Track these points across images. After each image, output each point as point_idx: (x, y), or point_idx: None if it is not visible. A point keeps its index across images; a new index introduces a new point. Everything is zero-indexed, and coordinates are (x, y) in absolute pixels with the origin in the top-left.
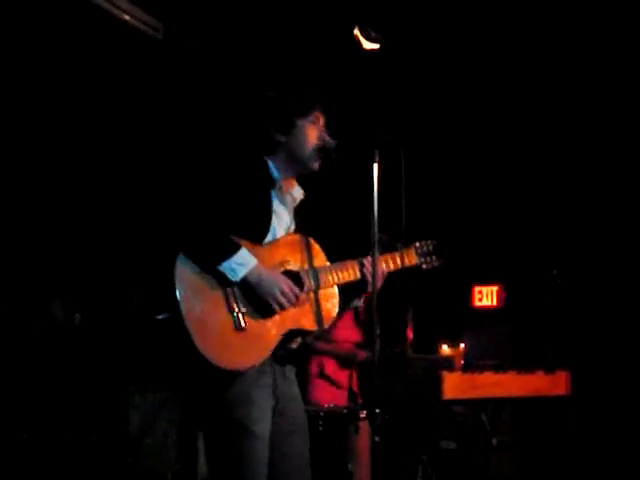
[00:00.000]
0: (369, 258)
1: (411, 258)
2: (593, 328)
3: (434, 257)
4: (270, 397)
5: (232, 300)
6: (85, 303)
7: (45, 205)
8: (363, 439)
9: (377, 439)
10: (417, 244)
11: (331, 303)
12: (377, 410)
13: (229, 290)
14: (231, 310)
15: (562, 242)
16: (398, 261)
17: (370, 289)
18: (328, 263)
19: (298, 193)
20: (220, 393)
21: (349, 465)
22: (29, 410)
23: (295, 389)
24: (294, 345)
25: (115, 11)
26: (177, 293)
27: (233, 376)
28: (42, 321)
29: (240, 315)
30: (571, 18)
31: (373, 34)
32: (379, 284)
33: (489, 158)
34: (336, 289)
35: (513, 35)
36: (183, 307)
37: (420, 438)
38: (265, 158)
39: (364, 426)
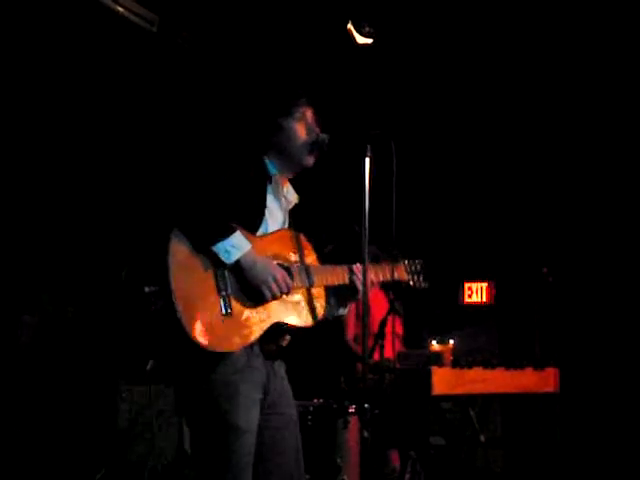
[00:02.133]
0: (359, 266)
1: (401, 274)
2: (582, 325)
3: (421, 277)
4: (259, 392)
5: (222, 284)
6: (77, 296)
7: (33, 196)
8: (352, 434)
9: (366, 434)
10: (405, 262)
11: (319, 304)
12: (366, 405)
13: (220, 273)
14: (220, 293)
15: (552, 239)
16: (388, 274)
17: (359, 296)
18: (318, 263)
19: (293, 196)
20: (207, 387)
21: (338, 460)
22: (18, 402)
23: (286, 385)
24: (283, 342)
25: (110, 4)
26: (169, 268)
27: (221, 368)
28: (33, 314)
29: (228, 299)
30: (566, 12)
31: (366, 29)
32: (369, 291)
33: (481, 154)
34: (323, 291)
35: (506, 29)
36: (173, 283)
37: (409, 434)
38: (262, 156)
39: (353, 421)
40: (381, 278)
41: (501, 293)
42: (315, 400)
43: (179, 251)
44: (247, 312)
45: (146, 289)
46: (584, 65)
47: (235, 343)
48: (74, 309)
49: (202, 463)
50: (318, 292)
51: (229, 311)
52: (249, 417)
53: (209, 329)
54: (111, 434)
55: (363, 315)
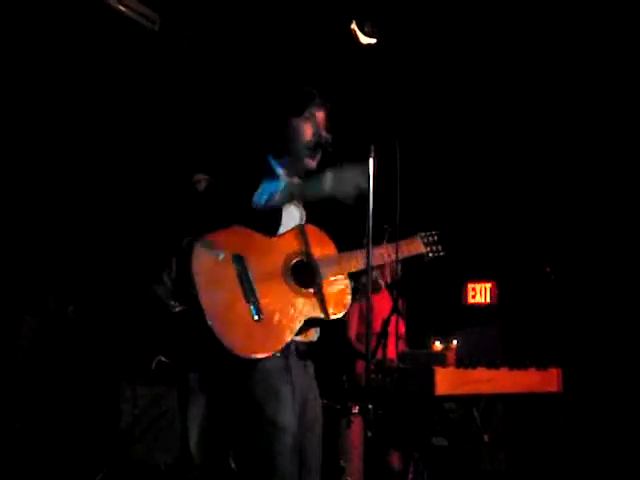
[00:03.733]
0: (377, 247)
1: (418, 246)
2: (585, 325)
3: (440, 247)
4: (294, 393)
5: (249, 290)
6: (79, 295)
7: (36, 198)
8: (355, 434)
9: (369, 434)
10: (422, 234)
11: (343, 292)
12: (370, 405)
13: (245, 279)
14: (249, 300)
15: (555, 239)
16: (405, 249)
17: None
18: (337, 253)
19: None
20: (249, 391)
21: (341, 460)
22: (21, 401)
23: (314, 385)
24: (314, 338)
25: (112, 3)
26: (198, 288)
27: (261, 373)
28: (35, 313)
29: (258, 304)
30: (566, 12)
31: (370, 29)
32: (387, 273)
33: (484, 155)
34: (347, 279)
35: (509, 29)
36: (203, 300)
37: (412, 434)
38: (267, 156)
39: (356, 421)
40: (399, 255)
41: (504, 293)
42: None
43: (203, 264)
44: (278, 314)
45: (176, 309)
46: (583, 68)
47: (273, 346)
48: (76, 309)
49: (249, 465)
50: (342, 280)
51: (261, 316)
52: (292, 417)
53: (246, 338)
54: (114, 434)
55: (367, 314)
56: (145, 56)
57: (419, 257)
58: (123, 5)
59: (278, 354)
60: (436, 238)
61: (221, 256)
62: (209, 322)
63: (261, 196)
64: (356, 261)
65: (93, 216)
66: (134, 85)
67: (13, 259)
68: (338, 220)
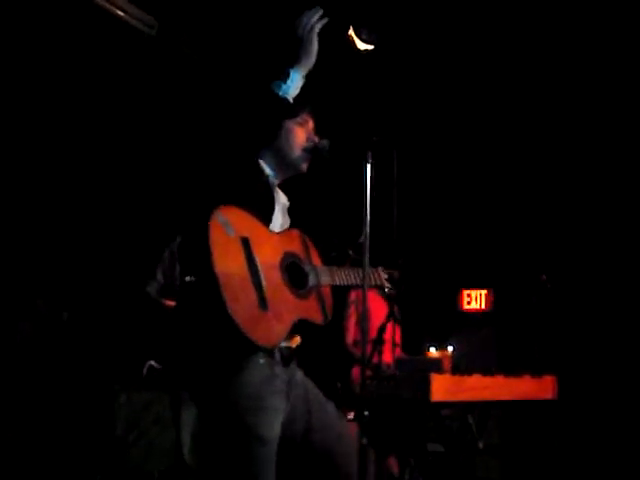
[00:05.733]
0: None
1: (380, 279)
2: (581, 332)
3: (393, 285)
4: (283, 401)
5: (256, 276)
6: (72, 300)
7: (28, 201)
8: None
9: (365, 441)
10: (387, 270)
11: (330, 301)
12: (365, 412)
13: (252, 264)
14: (256, 286)
15: (551, 246)
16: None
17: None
18: (320, 263)
19: (284, 198)
20: (232, 397)
21: None
22: (15, 407)
23: (310, 388)
24: (294, 344)
25: (109, 7)
26: (212, 254)
27: (245, 379)
28: (28, 319)
29: (264, 292)
30: (566, 13)
31: (368, 35)
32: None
33: (480, 161)
34: (330, 290)
35: (506, 35)
36: (217, 269)
37: (407, 440)
38: (257, 159)
39: (352, 428)
40: (371, 282)
41: (500, 300)
42: None
43: (218, 236)
44: (279, 309)
45: (187, 278)
46: (578, 74)
47: (275, 338)
48: (69, 314)
49: (222, 473)
50: (327, 291)
51: (265, 307)
52: (273, 427)
53: (250, 320)
54: (107, 440)
55: (362, 320)
56: (142, 61)
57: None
58: (120, 10)
59: (264, 361)
60: (395, 275)
61: (232, 233)
62: (221, 289)
63: None
64: (345, 276)
65: (86, 221)
66: (131, 90)
67: (5, 265)
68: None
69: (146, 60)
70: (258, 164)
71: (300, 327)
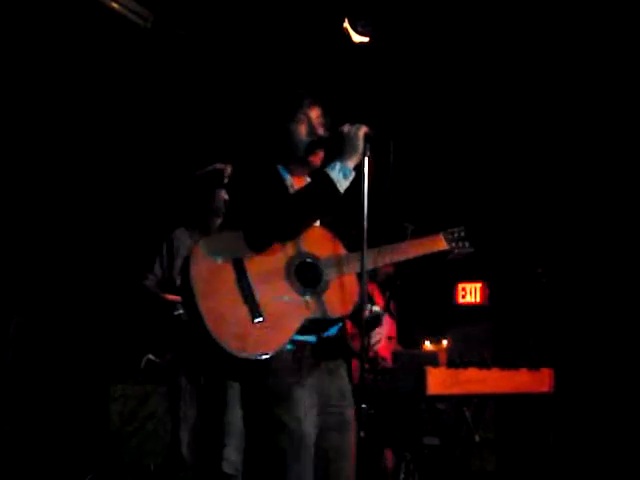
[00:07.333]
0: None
1: (440, 243)
2: (577, 326)
3: (466, 243)
4: (313, 394)
5: (247, 290)
6: (66, 295)
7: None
8: None
9: (362, 434)
10: (448, 230)
11: (351, 292)
12: (363, 405)
13: (242, 277)
14: (247, 301)
15: (546, 240)
16: (427, 246)
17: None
18: (345, 252)
19: None
20: (262, 391)
21: None
22: (10, 402)
23: (341, 384)
24: (325, 335)
25: (105, 0)
26: (194, 292)
27: (273, 375)
28: (22, 314)
29: (256, 305)
30: (565, 12)
31: (363, 27)
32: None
33: (476, 155)
34: (355, 278)
35: (503, 27)
36: (201, 306)
37: (403, 434)
38: (275, 163)
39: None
40: (422, 252)
41: (495, 294)
42: None
43: (201, 270)
44: (277, 314)
45: (175, 312)
46: (574, 68)
47: (267, 345)
48: (63, 309)
49: (260, 468)
50: (350, 279)
51: (260, 318)
52: (306, 421)
53: (240, 338)
54: (103, 434)
55: (360, 312)
56: (137, 54)
57: (444, 253)
58: (115, 2)
59: (288, 352)
60: (462, 234)
61: (219, 260)
62: (208, 327)
63: None
64: (404, 249)
65: (80, 217)
66: (126, 83)
67: None
68: (347, 220)
69: (141, 53)
70: (276, 170)
71: (317, 326)
